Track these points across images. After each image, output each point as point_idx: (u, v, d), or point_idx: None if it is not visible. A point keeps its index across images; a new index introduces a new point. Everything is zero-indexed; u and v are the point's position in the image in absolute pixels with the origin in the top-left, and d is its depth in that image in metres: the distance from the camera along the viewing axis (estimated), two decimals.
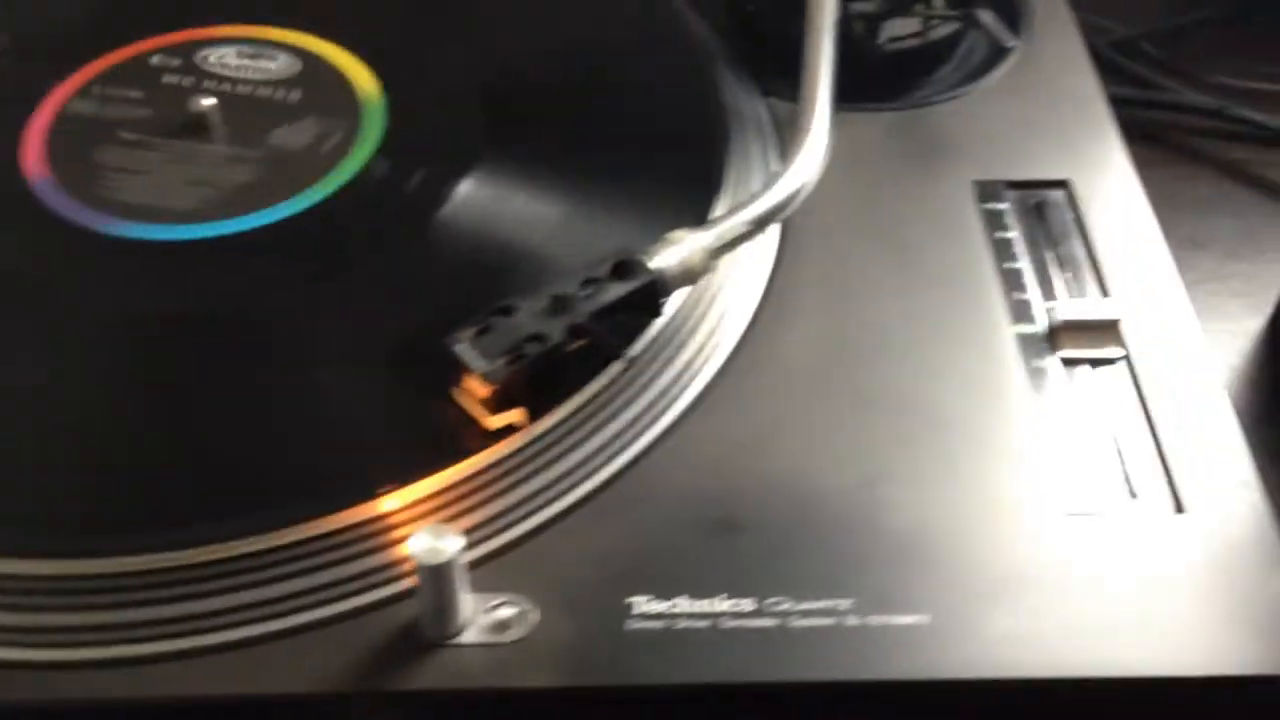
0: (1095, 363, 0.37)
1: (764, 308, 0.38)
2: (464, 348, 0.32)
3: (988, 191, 0.42)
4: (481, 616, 0.29)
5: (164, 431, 0.34)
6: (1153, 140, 0.60)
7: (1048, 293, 0.39)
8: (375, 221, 0.40)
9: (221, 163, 0.41)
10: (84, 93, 0.45)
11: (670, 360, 0.35)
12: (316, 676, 0.29)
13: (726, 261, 0.36)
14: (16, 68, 0.47)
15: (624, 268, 0.34)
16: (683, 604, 0.30)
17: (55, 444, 0.33)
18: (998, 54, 0.47)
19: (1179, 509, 0.32)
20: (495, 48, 0.46)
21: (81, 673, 0.29)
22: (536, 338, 0.32)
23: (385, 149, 0.42)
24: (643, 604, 0.30)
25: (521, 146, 0.42)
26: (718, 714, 0.30)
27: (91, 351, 0.36)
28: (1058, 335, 0.37)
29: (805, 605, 0.30)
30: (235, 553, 0.30)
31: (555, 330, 0.32)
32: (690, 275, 0.34)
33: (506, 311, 0.33)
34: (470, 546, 0.30)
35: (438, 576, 0.28)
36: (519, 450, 0.33)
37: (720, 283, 0.37)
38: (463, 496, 0.32)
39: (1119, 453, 0.34)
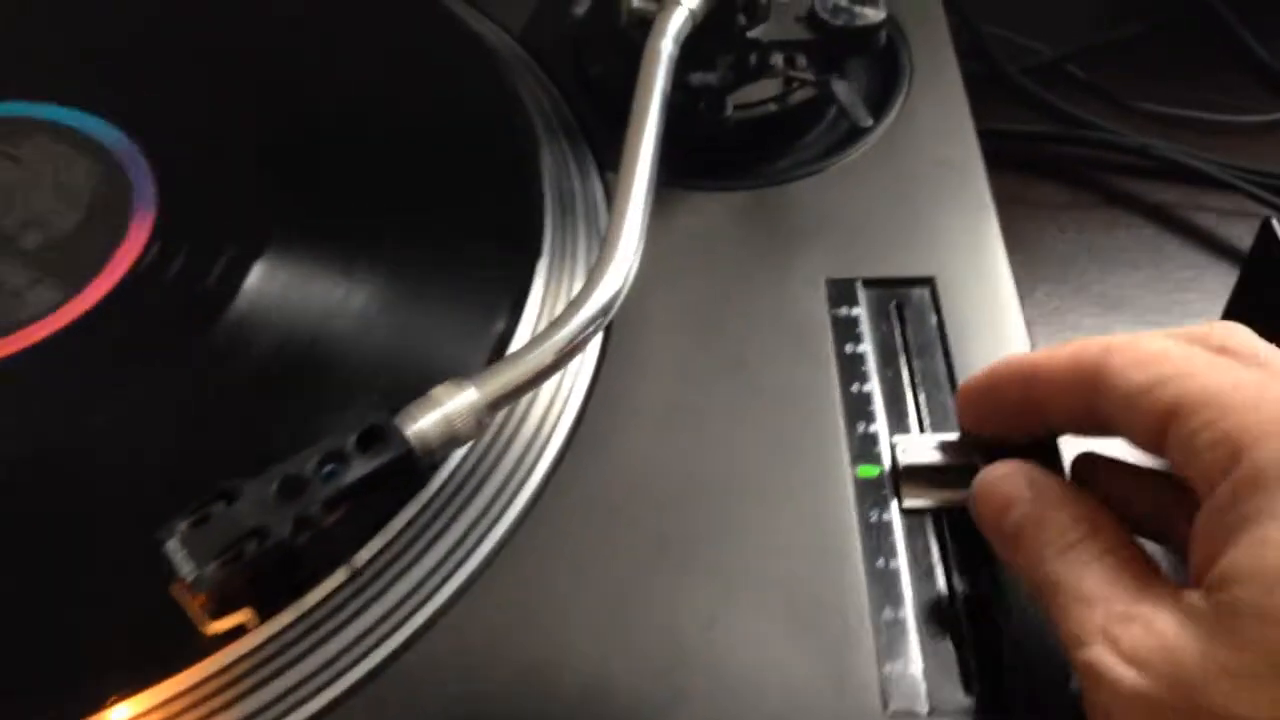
0: (943, 512, 0.32)
1: (572, 444, 0.33)
2: (174, 545, 0.27)
3: (841, 292, 0.37)
4: None
5: None
6: (1074, 181, 0.54)
7: (897, 423, 0.34)
8: (136, 338, 0.35)
9: None
10: None
11: (442, 533, 0.30)
12: None
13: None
14: None
15: (372, 437, 0.29)
16: None
17: None
18: (873, 113, 0.42)
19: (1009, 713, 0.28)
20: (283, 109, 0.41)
21: None
22: (258, 533, 0.27)
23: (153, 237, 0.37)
24: None
25: (308, 235, 0.37)
26: None
27: None
28: (903, 481, 0.32)
29: None
30: None
31: (281, 523, 0.27)
32: (457, 439, 0.29)
33: (228, 497, 0.28)
34: None
35: None
36: (251, 653, 0.28)
37: (519, 418, 0.33)
38: (187, 709, 0.28)
39: (957, 640, 0.29)
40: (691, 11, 0.38)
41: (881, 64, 0.44)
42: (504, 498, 0.31)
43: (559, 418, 0.33)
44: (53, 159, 0.40)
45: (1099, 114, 0.56)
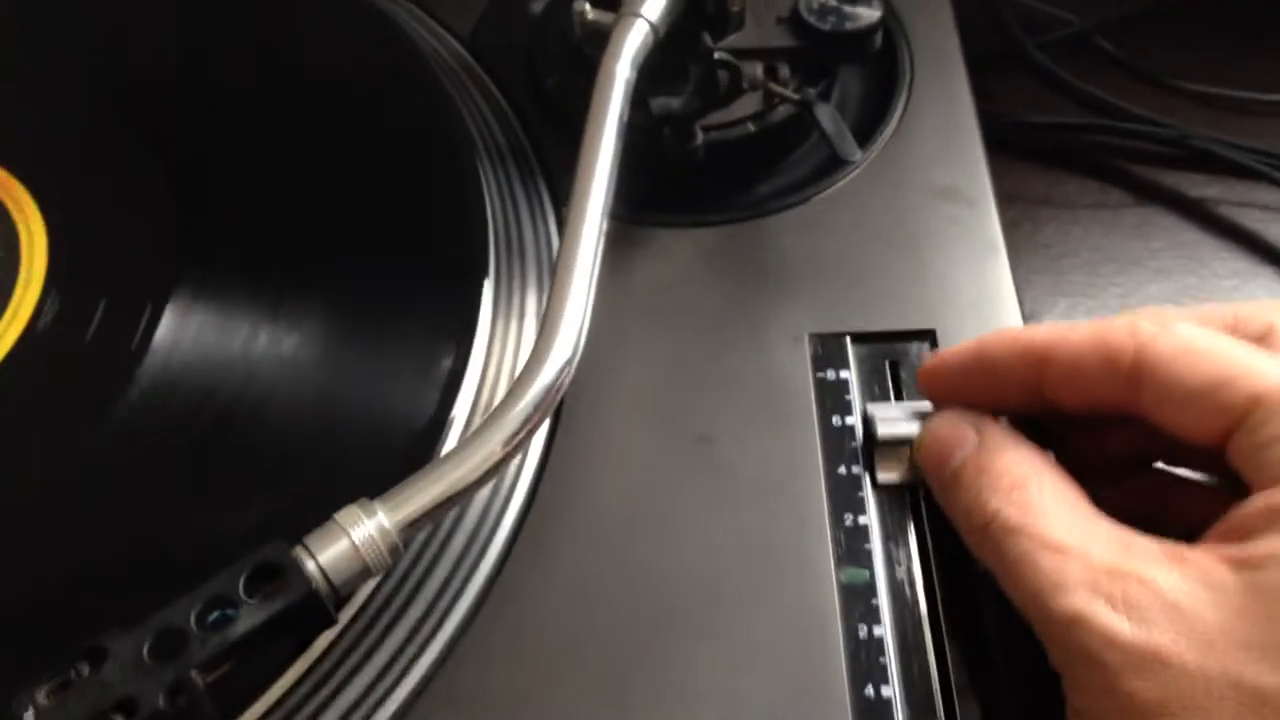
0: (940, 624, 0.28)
1: (510, 558, 0.29)
2: (29, 717, 0.23)
3: (827, 350, 0.32)
4: None
5: None
6: (1101, 176, 0.49)
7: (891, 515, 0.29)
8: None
9: None
10: None
11: (345, 685, 0.26)
12: None
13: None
14: None
15: (265, 575, 0.25)
16: None
17: None
18: (864, 133, 0.37)
19: None
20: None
21: None
22: (125, 705, 0.23)
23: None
24: None
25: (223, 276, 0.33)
26: None
27: None
28: (877, 455, 0.30)
29: None
30: None
31: (154, 689, 0.23)
32: (368, 571, 0.25)
33: (94, 657, 0.24)
34: None
35: None
36: None
37: (447, 531, 0.28)
38: None
39: None
40: (651, 25, 0.33)
41: (876, 67, 0.38)
42: (426, 629, 0.27)
43: (496, 526, 0.28)
44: None
45: (1131, 95, 0.50)
